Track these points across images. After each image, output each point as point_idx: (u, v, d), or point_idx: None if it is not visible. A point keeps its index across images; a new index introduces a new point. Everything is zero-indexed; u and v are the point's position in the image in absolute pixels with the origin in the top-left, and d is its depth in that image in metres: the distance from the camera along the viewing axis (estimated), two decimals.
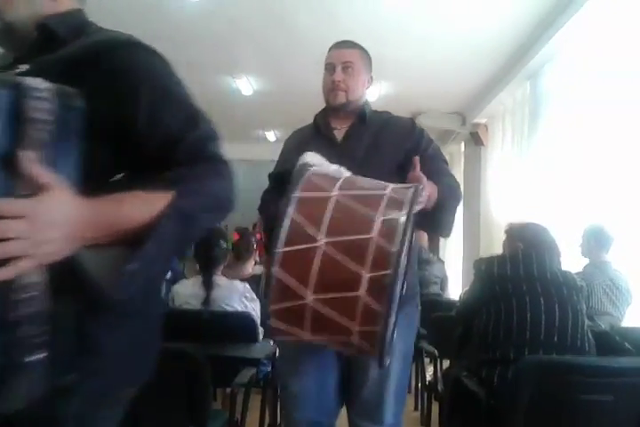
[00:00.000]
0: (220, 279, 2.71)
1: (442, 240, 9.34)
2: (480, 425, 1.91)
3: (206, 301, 2.59)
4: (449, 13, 4.24)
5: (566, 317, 2.09)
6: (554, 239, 2.35)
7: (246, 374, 2.04)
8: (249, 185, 12.11)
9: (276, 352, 2.84)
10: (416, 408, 3.92)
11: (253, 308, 2.74)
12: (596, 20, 3.76)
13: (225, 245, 2.80)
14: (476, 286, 2.31)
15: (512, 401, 1.75)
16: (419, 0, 4.05)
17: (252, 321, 2.58)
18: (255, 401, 2.67)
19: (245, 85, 6.23)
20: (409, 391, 4.33)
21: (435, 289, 5.44)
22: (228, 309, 2.64)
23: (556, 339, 2.06)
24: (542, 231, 2.39)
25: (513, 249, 2.33)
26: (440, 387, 2.59)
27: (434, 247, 7.99)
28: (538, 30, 4.41)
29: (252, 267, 3.37)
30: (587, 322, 2.17)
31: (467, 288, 2.56)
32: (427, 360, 3.67)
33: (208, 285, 2.63)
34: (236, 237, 3.07)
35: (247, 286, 2.78)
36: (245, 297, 2.73)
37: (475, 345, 2.21)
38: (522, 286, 2.14)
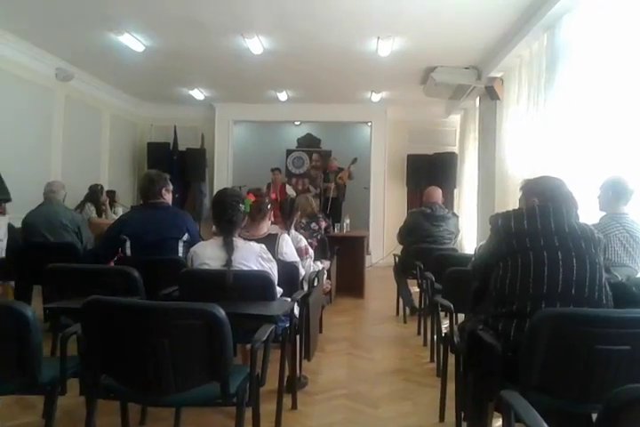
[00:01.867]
0: (236, 241, 2.74)
1: (456, 195, 9.37)
2: (496, 377, 1.94)
3: (228, 262, 2.62)
4: None
5: (584, 270, 2.08)
6: (570, 191, 2.32)
7: (265, 330, 2.07)
8: (261, 145, 12.20)
9: (293, 309, 2.89)
10: (432, 360, 4.00)
11: (270, 268, 2.77)
12: None
13: (243, 208, 2.82)
14: (493, 240, 2.30)
15: (529, 353, 1.77)
16: None
17: (270, 280, 2.63)
18: (275, 354, 2.75)
19: (256, 45, 6.13)
20: (424, 344, 4.45)
21: (449, 244, 5.46)
22: (245, 269, 2.68)
23: (573, 292, 2.06)
24: (558, 184, 2.34)
25: (529, 204, 2.31)
26: (456, 340, 2.63)
27: (448, 203, 8.02)
28: None
29: (267, 226, 3.39)
30: (604, 275, 2.17)
31: (482, 242, 2.55)
32: (442, 314, 3.74)
33: (230, 247, 2.67)
34: (251, 198, 3.07)
35: (263, 246, 2.81)
36: (262, 257, 2.76)
37: (491, 299, 2.22)
38: (539, 240, 2.13)
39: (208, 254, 2.72)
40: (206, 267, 2.68)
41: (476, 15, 5.20)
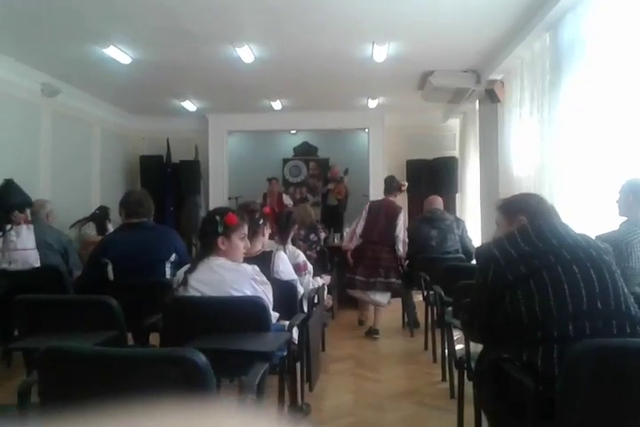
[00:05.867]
0: (225, 263, 2.47)
1: (458, 200, 9.12)
2: (530, 419, 1.67)
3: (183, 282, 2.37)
4: None
5: (604, 280, 1.88)
6: (552, 205, 2.22)
7: (257, 372, 1.79)
8: (257, 155, 11.96)
9: (291, 338, 2.62)
10: (444, 379, 3.75)
11: (264, 291, 2.49)
12: None
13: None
14: (491, 272, 2.00)
15: (567, 392, 1.51)
16: None
17: (264, 306, 2.35)
18: (272, 379, 2.50)
19: (246, 53, 5.90)
20: (434, 361, 4.17)
21: (454, 248, 5.22)
22: (237, 294, 2.40)
23: (599, 306, 1.84)
24: (540, 200, 2.22)
25: (518, 223, 2.11)
26: (473, 365, 2.37)
27: (450, 208, 7.79)
28: None
29: (261, 243, 3.13)
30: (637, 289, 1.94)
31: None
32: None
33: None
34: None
35: (256, 267, 2.52)
36: (255, 280, 2.47)
37: (509, 332, 1.96)
38: (548, 257, 1.91)
39: (196, 278, 2.44)
40: (195, 293, 2.41)
41: (475, 16, 4.97)
